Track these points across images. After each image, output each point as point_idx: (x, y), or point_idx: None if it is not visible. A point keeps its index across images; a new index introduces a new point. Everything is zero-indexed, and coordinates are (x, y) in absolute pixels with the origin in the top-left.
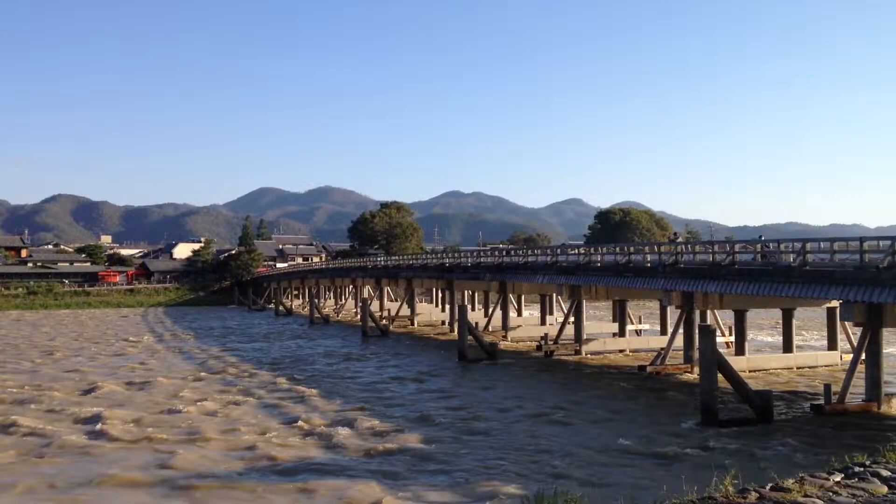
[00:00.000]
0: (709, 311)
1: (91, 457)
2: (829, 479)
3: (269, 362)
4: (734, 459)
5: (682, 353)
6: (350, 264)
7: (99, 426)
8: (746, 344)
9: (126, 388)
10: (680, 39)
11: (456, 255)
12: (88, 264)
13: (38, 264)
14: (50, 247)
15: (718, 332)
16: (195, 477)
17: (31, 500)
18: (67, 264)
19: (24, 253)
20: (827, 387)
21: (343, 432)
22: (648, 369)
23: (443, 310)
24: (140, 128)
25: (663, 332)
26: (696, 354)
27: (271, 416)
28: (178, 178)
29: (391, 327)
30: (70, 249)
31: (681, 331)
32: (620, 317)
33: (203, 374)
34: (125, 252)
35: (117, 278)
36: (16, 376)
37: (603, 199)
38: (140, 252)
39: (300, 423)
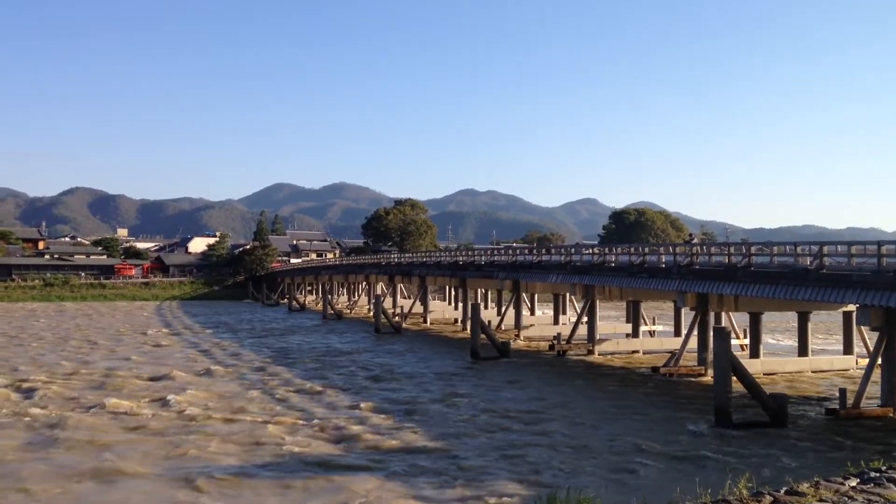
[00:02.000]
0: (723, 313)
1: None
2: (844, 484)
3: (282, 357)
4: (748, 462)
5: (695, 354)
6: (364, 261)
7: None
8: (761, 347)
9: (143, 382)
10: (697, 41)
11: (469, 253)
12: (104, 257)
13: (55, 256)
14: (67, 239)
15: (733, 335)
16: (207, 471)
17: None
18: (84, 257)
19: (41, 245)
20: (842, 391)
21: (355, 429)
22: (662, 370)
23: (456, 308)
24: (157, 122)
25: (677, 333)
26: (711, 356)
27: (283, 410)
28: (194, 172)
29: (404, 324)
30: (87, 242)
31: (695, 332)
32: (634, 317)
33: (216, 367)
34: (141, 245)
35: (133, 271)
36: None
37: (618, 199)
38: (156, 246)
39: (313, 419)
